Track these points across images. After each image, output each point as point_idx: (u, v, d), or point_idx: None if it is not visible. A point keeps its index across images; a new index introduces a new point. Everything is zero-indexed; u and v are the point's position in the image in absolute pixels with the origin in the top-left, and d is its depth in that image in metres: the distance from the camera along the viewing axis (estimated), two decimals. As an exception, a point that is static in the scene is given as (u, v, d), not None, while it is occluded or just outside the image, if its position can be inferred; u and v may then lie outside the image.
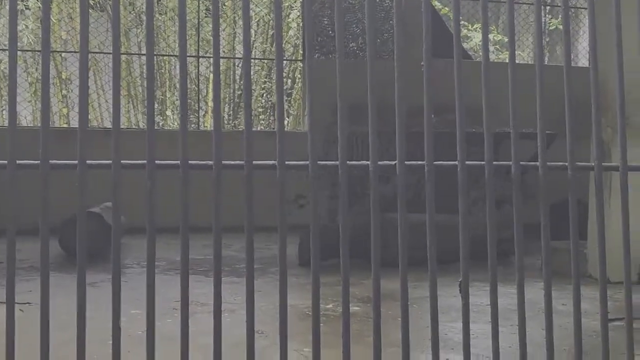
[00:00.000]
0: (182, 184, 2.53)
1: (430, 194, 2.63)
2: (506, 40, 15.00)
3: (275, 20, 2.65)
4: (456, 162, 2.68)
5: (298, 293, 6.10)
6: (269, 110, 16.46)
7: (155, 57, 10.45)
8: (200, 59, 14.83)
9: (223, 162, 2.54)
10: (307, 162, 2.59)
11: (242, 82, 16.46)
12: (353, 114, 4.18)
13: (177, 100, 15.98)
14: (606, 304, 2.80)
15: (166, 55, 15.50)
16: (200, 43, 14.53)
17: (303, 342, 4.41)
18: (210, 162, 2.53)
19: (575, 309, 2.78)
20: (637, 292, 3.34)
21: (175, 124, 16.03)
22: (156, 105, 14.87)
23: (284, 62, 15.44)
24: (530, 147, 3.77)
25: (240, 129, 15.86)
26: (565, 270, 2.98)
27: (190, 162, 2.52)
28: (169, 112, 15.75)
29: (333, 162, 2.65)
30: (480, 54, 16.36)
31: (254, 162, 2.57)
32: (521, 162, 2.75)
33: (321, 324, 2.61)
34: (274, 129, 16.31)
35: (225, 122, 15.47)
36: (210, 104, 16.14)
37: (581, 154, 2.89)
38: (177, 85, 16.36)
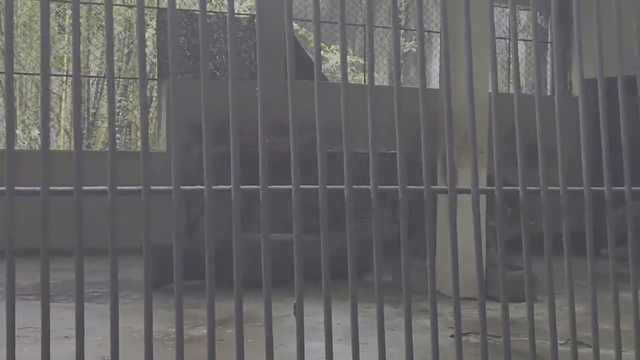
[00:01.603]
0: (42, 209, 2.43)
1: (265, 217, 2.63)
2: (362, 62, 15.37)
3: (139, 39, 2.60)
4: (289, 186, 2.68)
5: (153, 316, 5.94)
6: (124, 129, 16.13)
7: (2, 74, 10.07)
8: (50, 77, 14.35)
9: (85, 187, 2.47)
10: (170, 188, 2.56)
11: (95, 100, 16.06)
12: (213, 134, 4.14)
13: (27, 118, 15.42)
14: (460, 320, 2.89)
15: (17, 73, 14.91)
16: (52, 60, 14.08)
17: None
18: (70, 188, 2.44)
19: (432, 326, 2.85)
20: (474, 307, 3.46)
21: (26, 142, 15.44)
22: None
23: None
24: (385, 166, 3.85)
25: (94, 149, 15.45)
26: (416, 288, 3.05)
27: (51, 187, 2.42)
28: (18, 131, 15.15)
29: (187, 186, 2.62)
30: (338, 75, 16.63)
31: (119, 187, 2.50)
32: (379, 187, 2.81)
33: (169, 348, 2.57)
34: (130, 148, 15.98)
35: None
36: (63, 122, 15.65)
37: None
38: (28, 103, 15.79)
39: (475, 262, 3.06)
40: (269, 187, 2.64)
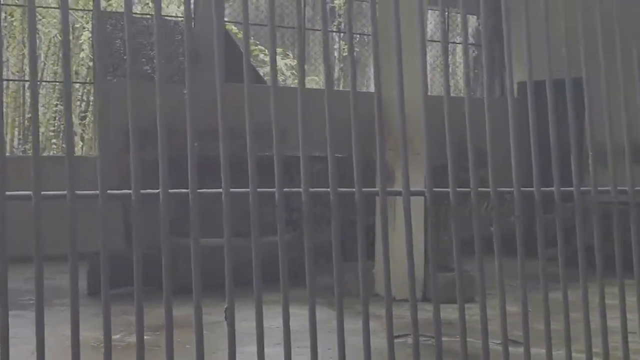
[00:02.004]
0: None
1: (194, 221, 2.61)
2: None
3: (64, 42, 2.55)
4: (220, 190, 2.66)
5: (89, 324, 5.86)
6: (62, 134, 15.87)
7: None
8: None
9: (8, 192, 2.41)
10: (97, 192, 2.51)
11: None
12: (146, 138, 4.10)
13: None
14: (392, 321, 2.90)
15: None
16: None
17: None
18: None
19: (364, 327, 2.86)
20: (421, 309, 3.49)
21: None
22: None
23: (77, 84, 14.97)
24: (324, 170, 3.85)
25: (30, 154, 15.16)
26: (354, 290, 3.06)
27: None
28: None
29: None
30: (280, 78, 16.63)
31: (43, 192, 2.45)
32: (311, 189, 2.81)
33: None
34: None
35: (15, 147, 14.74)
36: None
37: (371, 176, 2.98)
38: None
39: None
40: (199, 190, 2.61)
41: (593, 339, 3.25)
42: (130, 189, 2.57)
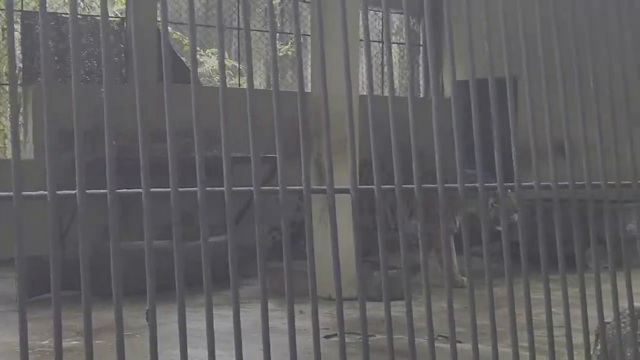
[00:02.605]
0: None
1: (114, 222, 2.57)
2: (237, 65, 15.30)
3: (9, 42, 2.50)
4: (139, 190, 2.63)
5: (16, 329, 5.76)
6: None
7: None
8: None
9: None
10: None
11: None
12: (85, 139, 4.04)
13: None
14: (317, 320, 2.90)
15: None
16: None
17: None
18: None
19: (290, 326, 2.85)
20: (352, 307, 3.49)
21: None
22: None
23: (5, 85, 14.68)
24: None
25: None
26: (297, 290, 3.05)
27: None
28: None
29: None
30: (214, 79, 16.52)
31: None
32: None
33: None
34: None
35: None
36: None
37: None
38: None
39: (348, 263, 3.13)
40: (118, 191, 2.57)
41: (520, 333, 3.29)
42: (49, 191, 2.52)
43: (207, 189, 2.72)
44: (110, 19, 13.98)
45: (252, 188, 2.80)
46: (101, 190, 2.56)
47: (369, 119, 3.07)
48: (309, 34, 14.89)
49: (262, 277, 2.81)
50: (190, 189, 2.73)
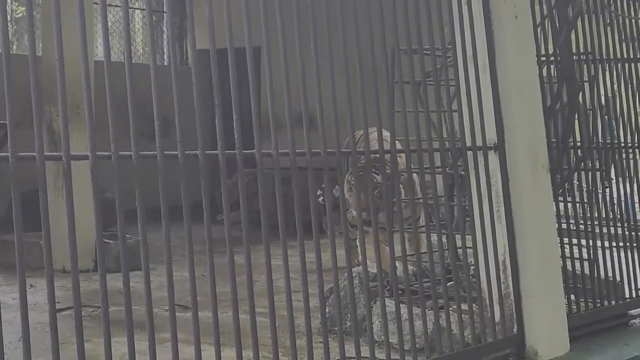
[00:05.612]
0: None
1: None
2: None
3: None
4: None
5: None
6: None
7: None
8: None
9: None
10: None
11: None
12: None
13: None
14: (53, 293, 2.80)
15: None
16: None
17: None
18: None
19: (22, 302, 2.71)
20: (94, 280, 3.39)
21: None
22: None
23: None
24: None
25: None
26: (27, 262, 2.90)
27: None
28: None
29: None
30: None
31: None
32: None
33: None
34: None
35: None
36: None
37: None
38: None
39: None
40: None
41: (258, 299, 3.35)
42: None
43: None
44: None
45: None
46: None
47: (105, 86, 2.98)
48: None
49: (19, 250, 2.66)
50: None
